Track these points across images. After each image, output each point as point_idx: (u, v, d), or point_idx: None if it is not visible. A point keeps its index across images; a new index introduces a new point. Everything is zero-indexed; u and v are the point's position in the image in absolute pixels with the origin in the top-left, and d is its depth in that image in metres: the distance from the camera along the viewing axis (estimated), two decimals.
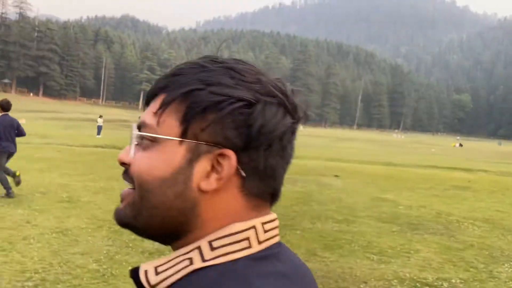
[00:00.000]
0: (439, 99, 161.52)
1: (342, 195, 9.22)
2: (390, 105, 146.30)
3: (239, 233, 0.51)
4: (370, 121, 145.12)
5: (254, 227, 0.52)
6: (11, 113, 7.44)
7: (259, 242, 0.52)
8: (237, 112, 0.50)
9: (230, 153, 0.50)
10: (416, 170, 16.33)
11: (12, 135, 7.28)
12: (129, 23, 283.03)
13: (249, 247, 0.51)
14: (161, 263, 0.53)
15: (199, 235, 0.52)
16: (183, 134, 0.51)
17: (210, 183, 0.51)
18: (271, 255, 0.52)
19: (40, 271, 4.14)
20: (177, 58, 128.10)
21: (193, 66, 0.53)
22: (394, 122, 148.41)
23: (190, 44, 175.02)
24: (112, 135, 27.79)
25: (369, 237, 6.13)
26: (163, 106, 0.52)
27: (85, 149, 16.34)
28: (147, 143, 0.53)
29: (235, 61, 0.54)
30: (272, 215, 0.56)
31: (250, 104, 0.50)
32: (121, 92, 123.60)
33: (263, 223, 0.53)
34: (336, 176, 12.32)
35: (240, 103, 0.50)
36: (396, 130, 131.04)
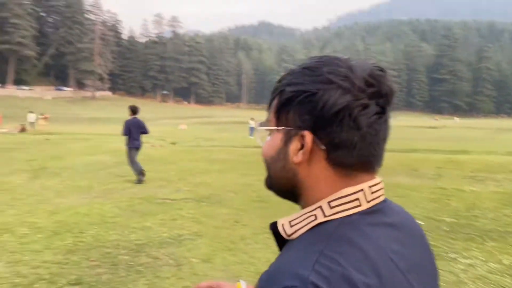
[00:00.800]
0: None
1: None
2: None
3: (351, 195, 0.64)
4: None
5: (362, 190, 0.65)
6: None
7: (368, 201, 0.65)
8: (306, 101, 0.64)
9: (306, 133, 0.64)
10: None
11: (138, 134, 9.09)
12: (265, 28, 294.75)
13: (360, 205, 0.64)
14: (293, 218, 0.67)
15: (311, 197, 0.66)
16: (277, 124, 0.69)
17: (298, 157, 0.65)
18: (378, 210, 0.66)
19: None
20: None
21: (287, 72, 0.69)
22: None
23: (323, 42, 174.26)
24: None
25: None
26: (270, 106, 0.71)
27: (248, 149, 17.11)
28: (269, 133, 0.72)
29: (318, 59, 0.68)
30: (377, 179, 0.68)
31: (314, 94, 0.63)
32: (261, 95, 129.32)
33: (370, 186, 0.66)
34: None
35: (306, 94, 0.64)
36: None
